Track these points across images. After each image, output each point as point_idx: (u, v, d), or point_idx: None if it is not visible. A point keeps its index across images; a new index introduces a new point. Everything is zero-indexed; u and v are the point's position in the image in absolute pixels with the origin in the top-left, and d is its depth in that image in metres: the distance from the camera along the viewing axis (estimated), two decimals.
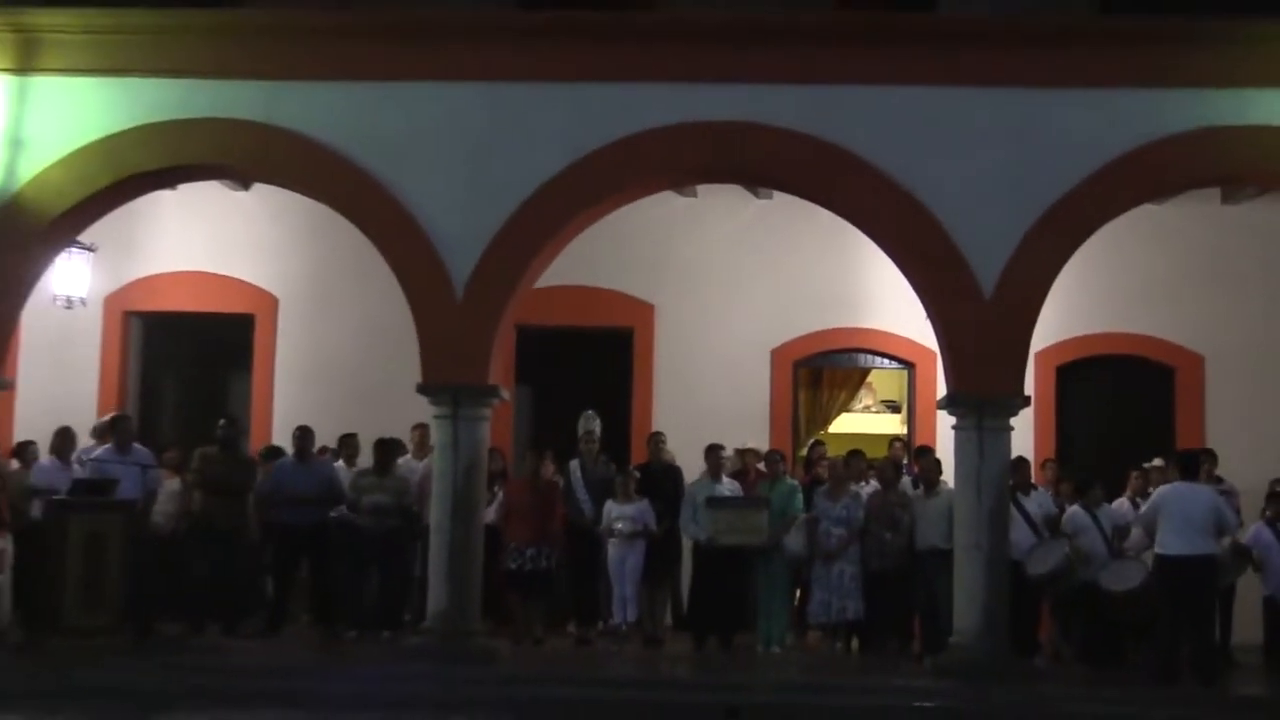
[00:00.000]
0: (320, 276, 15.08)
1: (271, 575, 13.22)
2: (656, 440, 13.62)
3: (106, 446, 12.81)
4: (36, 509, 12.45)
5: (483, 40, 12.03)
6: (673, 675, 11.90)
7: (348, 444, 13.79)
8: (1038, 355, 13.48)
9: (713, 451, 13.06)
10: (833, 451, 14.00)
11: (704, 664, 12.33)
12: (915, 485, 12.97)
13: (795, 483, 13.22)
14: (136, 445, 12.86)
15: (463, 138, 12.00)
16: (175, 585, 12.88)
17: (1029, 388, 12.11)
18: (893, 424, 17.27)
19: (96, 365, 15.15)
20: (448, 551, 11.69)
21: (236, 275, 15.25)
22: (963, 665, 11.25)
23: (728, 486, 13.00)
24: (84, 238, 13.51)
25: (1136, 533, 12.04)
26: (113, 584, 11.80)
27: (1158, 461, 12.91)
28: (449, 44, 12.03)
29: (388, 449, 13.10)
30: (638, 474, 13.08)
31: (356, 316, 14.85)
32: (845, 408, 16.85)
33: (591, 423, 13.40)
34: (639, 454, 14.09)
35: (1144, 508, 11.90)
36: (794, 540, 12.68)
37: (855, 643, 12.87)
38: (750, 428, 14.41)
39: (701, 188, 14.46)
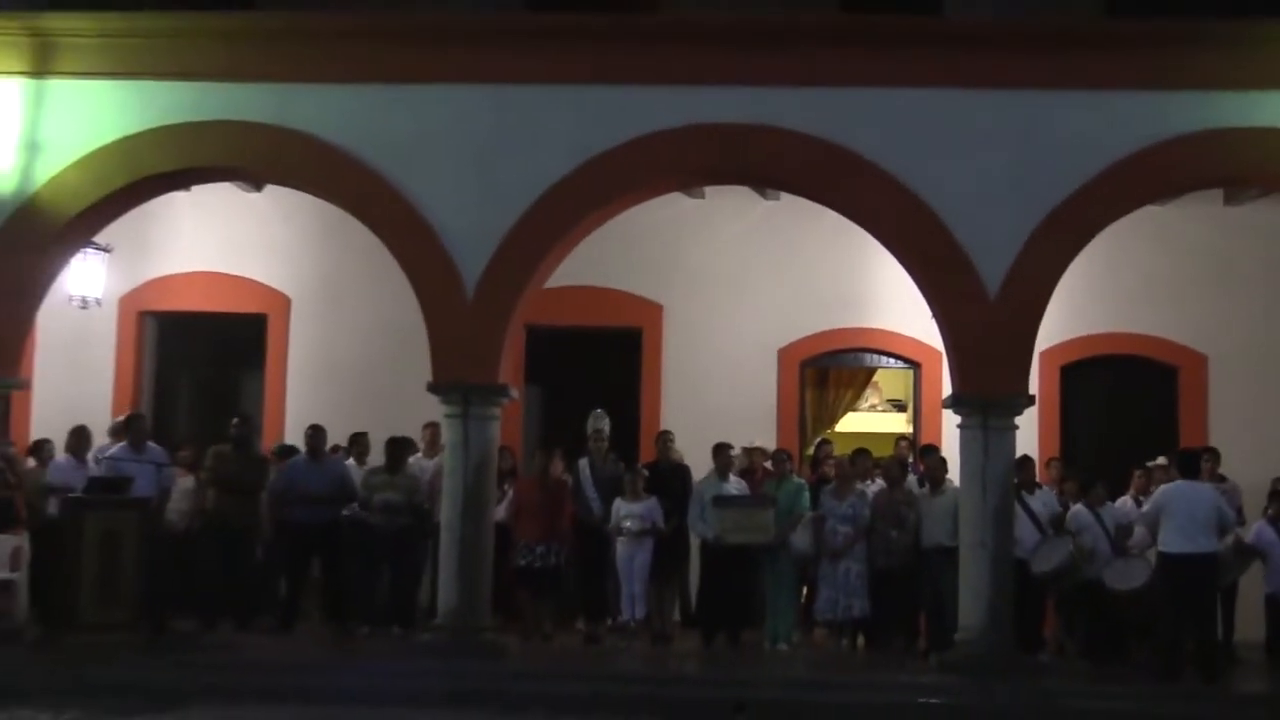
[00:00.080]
0: (332, 277, 15.13)
1: (284, 572, 13.26)
2: (665, 439, 13.64)
3: (122, 445, 12.86)
4: (52, 507, 12.54)
5: (492, 43, 12.08)
6: (681, 671, 11.94)
7: (358, 442, 13.83)
8: (1042, 355, 13.51)
9: (720, 450, 13.08)
10: (839, 450, 14.04)
11: (712, 660, 12.37)
12: (921, 484, 13.00)
13: (802, 481, 13.29)
14: (151, 444, 12.93)
15: (473, 139, 12.04)
16: (189, 582, 12.95)
17: (1033, 387, 12.13)
18: (898, 423, 17.26)
19: (111, 365, 15.22)
20: (458, 549, 11.73)
21: (249, 275, 15.30)
22: (968, 661, 11.28)
23: (735, 485, 13.03)
24: (99, 239, 13.59)
25: (1140, 531, 12.07)
26: (127, 581, 11.85)
27: (1161, 460, 12.93)
28: (459, 47, 12.08)
29: (399, 447, 13.14)
30: (646, 472, 13.11)
31: (368, 316, 14.89)
32: (851, 407, 16.84)
33: (600, 421, 13.41)
34: (647, 453, 14.14)
35: (1147, 506, 11.93)
36: (800, 538, 12.72)
37: (861, 640, 12.91)
38: (757, 427, 14.39)
39: (709, 189, 14.48)
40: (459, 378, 11.89)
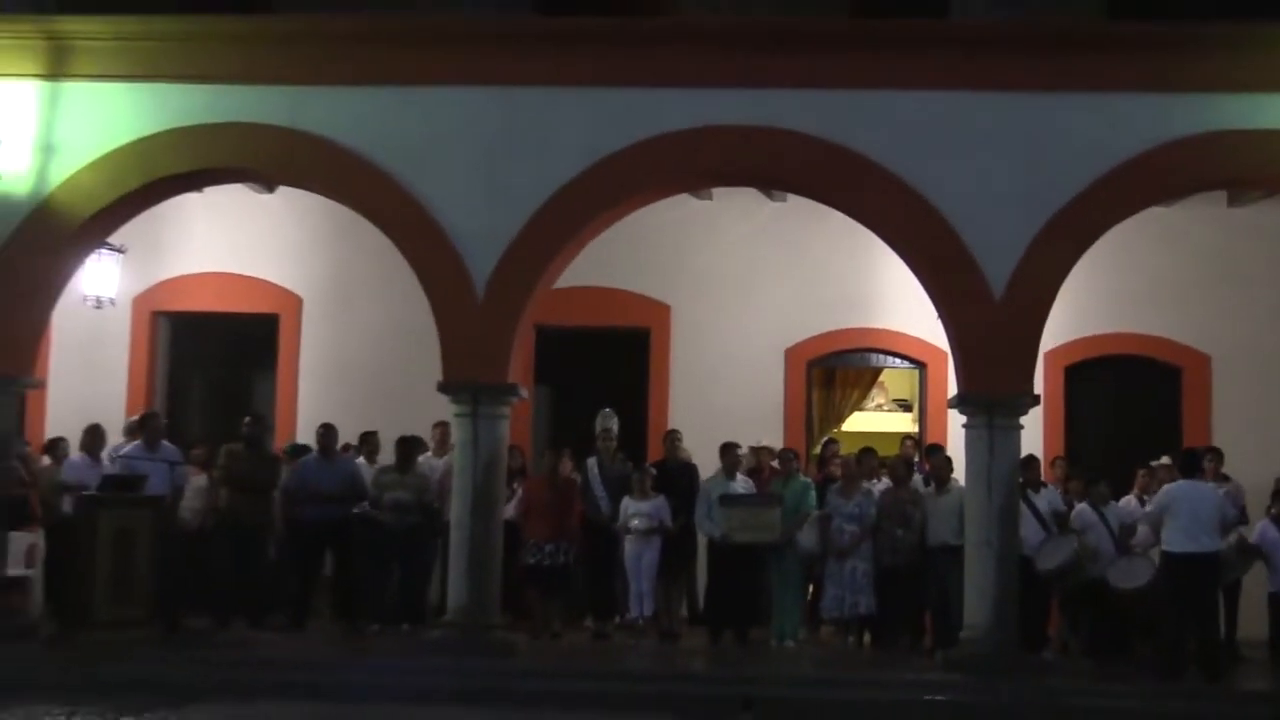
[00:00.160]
0: (343, 277, 15.20)
1: (295, 570, 13.29)
2: (673, 438, 13.70)
3: (136, 443, 12.93)
4: (67, 504, 12.64)
5: (502, 46, 12.11)
6: (688, 668, 11.97)
7: (368, 441, 13.88)
8: (1047, 355, 13.60)
9: (727, 450, 13.13)
10: (845, 450, 14.09)
11: (719, 658, 12.41)
12: (926, 483, 13.07)
13: (808, 480, 13.34)
14: (165, 442, 13.00)
15: (482, 142, 12.07)
16: (202, 580, 13.00)
17: (1038, 387, 12.16)
18: (904, 422, 17.37)
19: (125, 364, 15.30)
20: (468, 547, 11.76)
21: (261, 276, 15.37)
22: (973, 659, 11.30)
23: (741, 484, 13.09)
24: (113, 239, 13.65)
25: (1143, 530, 12.07)
26: (141, 578, 11.91)
27: (1165, 460, 12.93)
28: (469, 49, 12.11)
29: (409, 446, 13.20)
30: (654, 471, 13.16)
31: (379, 316, 14.95)
32: (858, 406, 16.96)
33: (609, 421, 13.48)
34: (655, 452, 14.18)
35: (1150, 506, 11.98)
36: (807, 537, 12.77)
37: (867, 637, 12.95)
38: (764, 426, 14.48)
39: (717, 191, 14.52)
40: (469, 377, 11.92)
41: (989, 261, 11.73)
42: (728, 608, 12.96)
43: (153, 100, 12.22)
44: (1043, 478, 13.20)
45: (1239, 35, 11.79)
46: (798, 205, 13.79)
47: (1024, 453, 12.12)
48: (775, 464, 13.44)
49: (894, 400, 18.40)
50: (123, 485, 12.33)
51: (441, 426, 13.58)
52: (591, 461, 13.37)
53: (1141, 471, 13.25)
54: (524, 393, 12.47)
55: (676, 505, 12.98)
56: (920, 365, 15.35)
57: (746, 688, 10.57)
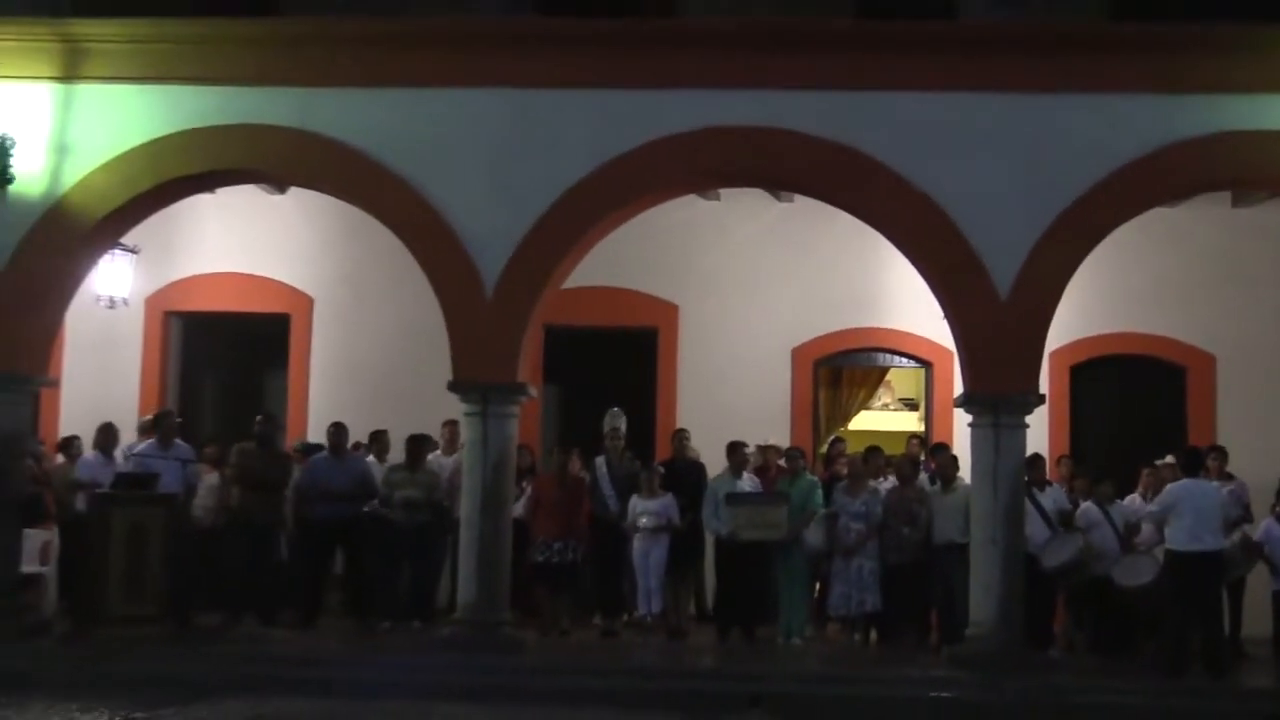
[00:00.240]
0: (354, 277, 15.26)
1: (306, 567, 13.33)
2: (680, 437, 13.74)
3: (150, 442, 13.02)
4: (81, 502, 12.70)
5: (510, 48, 12.14)
6: (696, 665, 12.00)
7: (378, 440, 13.92)
8: (1052, 355, 13.57)
9: (734, 448, 13.17)
10: (852, 448, 14.17)
11: (727, 655, 12.44)
12: (933, 481, 13.09)
13: (815, 479, 13.38)
14: (179, 441, 13.10)
15: (491, 143, 12.12)
16: (214, 577, 13.07)
17: (1043, 386, 12.19)
18: (911, 422, 17.38)
19: (138, 363, 15.38)
20: (477, 545, 11.81)
21: (273, 276, 15.44)
22: (978, 656, 11.35)
23: (748, 483, 13.14)
24: (126, 240, 13.72)
25: (1148, 528, 12.14)
26: (154, 575, 12.00)
27: (1169, 459, 12.92)
28: (477, 52, 12.15)
29: (419, 445, 13.25)
30: (662, 470, 13.22)
31: (389, 316, 15.02)
32: (864, 406, 16.94)
33: (617, 420, 13.53)
34: (663, 450, 14.25)
35: (1154, 505, 12.03)
36: (814, 535, 12.82)
37: (874, 634, 12.98)
38: (771, 425, 14.50)
39: (724, 191, 14.52)
40: (478, 377, 11.97)
41: (994, 262, 11.76)
42: (735, 605, 12.99)
43: (165, 102, 12.27)
44: (1048, 476, 13.20)
45: (1242, 37, 11.80)
46: (805, 206, 13.83)
47: (1029, 451, 12.13)
48: (782, 463, 13.47)
49: (900, 399, 18.43)
50: (136, 483, 12.41)
51: (450, 425, 13.64)
52: (600, 460, 13.42)
53: (1146, 470, 13.27)
54: (533, 392, 12.52)
55: (684, 504, 13.03)
56: (926, 365, 15.39)
57: (754, 684, 10.67)
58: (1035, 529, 12.29)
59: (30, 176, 12.24)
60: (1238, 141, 11.73)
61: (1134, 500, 13.08)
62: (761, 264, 15.19)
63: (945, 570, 12.42)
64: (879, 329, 15.25)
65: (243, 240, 15.45)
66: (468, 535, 11.91)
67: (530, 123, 12.12)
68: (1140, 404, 14.94)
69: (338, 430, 13.45)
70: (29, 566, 12.38)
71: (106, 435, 13.31)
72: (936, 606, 12.74)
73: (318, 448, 13.81)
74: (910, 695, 10.79)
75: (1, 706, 9.44)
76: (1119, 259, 13.56)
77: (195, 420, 14.93)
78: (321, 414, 14.60)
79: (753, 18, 12.25)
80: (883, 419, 18.02)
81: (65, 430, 14.16)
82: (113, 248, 13.60)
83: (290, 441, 14.56)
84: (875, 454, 13.59)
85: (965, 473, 12.41)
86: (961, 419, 12.59)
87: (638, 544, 12.95)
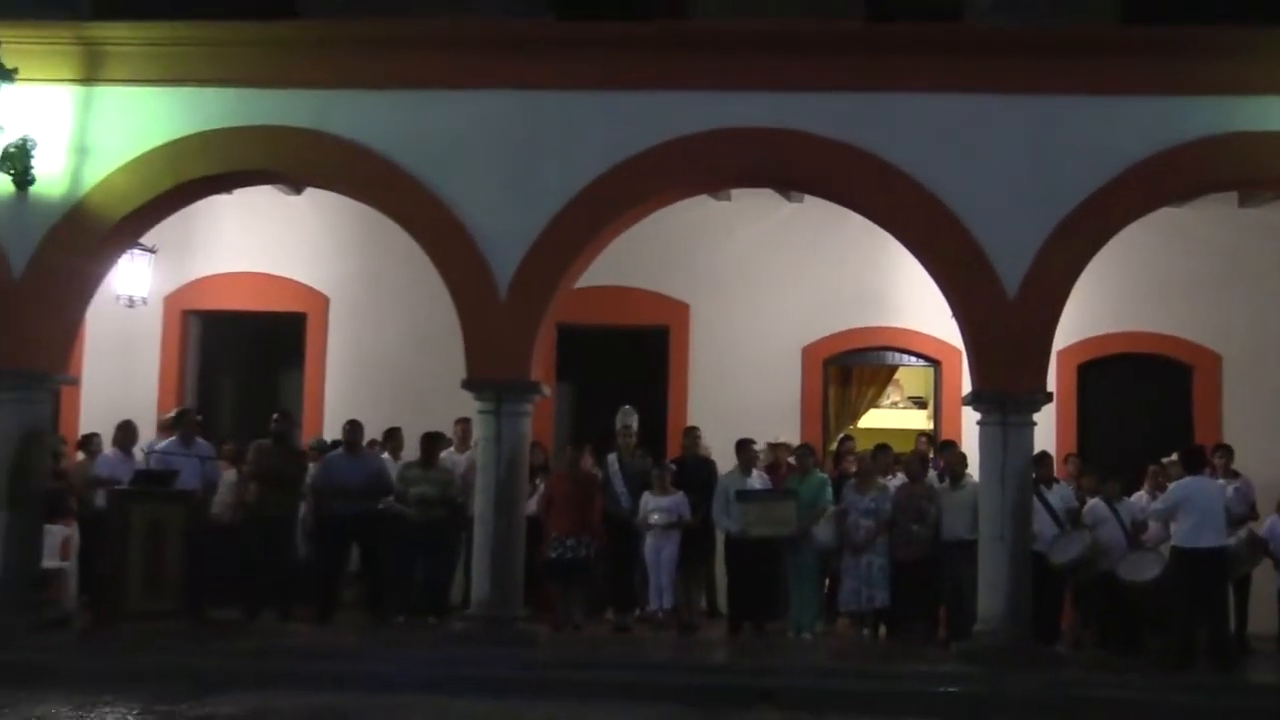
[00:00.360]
0: (369, 277, 15.33)
1: (323, 563, 13.43)
2: (692, 434, 13.79)
3: (171, 439, 13.11)
4: (100, 499, 12.79)
5: (524, 50, 12.20)
6: (708, 660, 12.07)
7: (393, 437, 14.02)
8: (1060, 353, 13.60)
9: (744, 446, 13.27)
10: (861, 446, 14.17)
11: (738, 649, 12.52)
12: (941, 478, 13.18)
13: (825, 476, 13.46)
14: (199, 438, 13.22)
15: (505, 144, 12.18)
16: (232, 572, 13.11)
17: (1051, 385, 12.22)
18: (919, 419, 17.45)
19: (157, 362, 15.45)
20: (491, 541, 11.89)
21: (290, 276, 15.52)
22: (986, 651, 11.40)
23: (758, 480, 13.22)
24: (145, 240, 13.82)
25: (1155, 526, 12.21)
26: (172, 571, 12.13)
27: (1175, 457, 12.90)
28: (492, 54, 12.22)
29: (433, 442, 13.35)
30: (673, 467, 13.29)
31: (404, 315, 15.09)
32: (873, 404, 17.03)
33: (629, 418, 13.62)
34: (674, 448, 14.28)
35: (1159, 503, 12.10)
36: (824, 531, 12.89)
37: (883, 630, 13.06)
38: (781, 423, 14.56)
39: (735, 191, 14.56)
40: (492, 375, 12.04)
41: (1003, 261, 11.82)
42: (746, 601, 13.08)
43: (183, 104, 12.36)
44: (1056, 474, 13.27)
45: (1250, 39, 11.84)
46: (815, 206, 13.88)
47: (1037, 449, 12.21)
48: (792, 460, 13.54)
49: (909, 397, 18.44)
50: (154, 480, 12.52)
51: (464, 423, 13.70)
52: (612, 457, 13.51)
53: (1152, 468, 13.29)
54: (546, 390, 12.57)
55: (695, 500, 13.10)
56: (935, 363, 15.42)
57: (765, 679, 10.73)
58: (1043, 526, 12.36)
59: (51, 178, 12.32)
60: (1244, 142, 11.77)
61: (1141, 498, 13.11)
62: (772, 263, 15.24)
63: (954, 567, 12.47)
64: (888, 328, 15.28)
65: (260, 240, 15.51)
66: (481, 531, 11.99)
67: (544, 124, 12.19)
68: (1147, 402, 14.95)
69: (353, 428, 13.55)
70: (50, 562, 12.51)
71: (126, 433, 13.40)
72: (945, 602, 12.81)
73: (334, 445, 13.90)
74: (919, 690, 10.84)
75: (23, 699, 9.54)
76: (1126, 258, 13.57)
77: (213, 418, 14.97)
78: (337, 412, 14.69)
79: (764, 21, 12.29)
80: (892, 417, 18.05)
81: (85, 428, 14.28)
82: (132, 248, 13.70)
83: (306, 439, 14.64)
84: (884, 451, 13.66)
85: (974, 470, 12.52)
86: (970, 417, 12.68)
87: (650, 540, 13.03)
